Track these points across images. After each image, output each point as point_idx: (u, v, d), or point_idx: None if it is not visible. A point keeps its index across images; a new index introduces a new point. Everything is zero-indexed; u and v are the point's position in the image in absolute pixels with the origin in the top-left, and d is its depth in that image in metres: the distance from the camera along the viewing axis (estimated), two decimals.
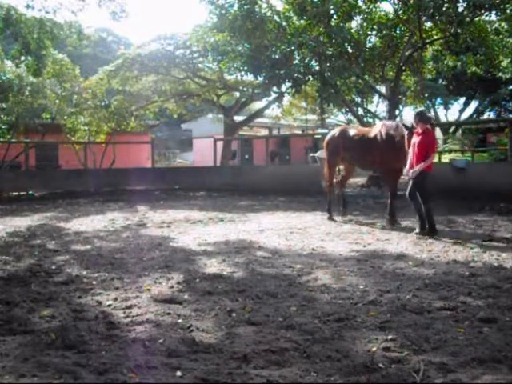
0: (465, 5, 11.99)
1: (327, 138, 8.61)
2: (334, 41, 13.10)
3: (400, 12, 13.60)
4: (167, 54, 18.21)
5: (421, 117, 6.52)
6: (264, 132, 30.25)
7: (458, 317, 3.25)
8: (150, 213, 9.70)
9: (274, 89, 15.02)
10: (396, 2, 13.57)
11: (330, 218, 8.18)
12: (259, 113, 22.79)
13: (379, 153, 7.47)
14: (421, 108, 7.47)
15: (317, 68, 13.63)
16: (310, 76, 13.62)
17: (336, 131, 8.51)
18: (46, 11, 13.20)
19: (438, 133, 36.09)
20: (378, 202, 10.40)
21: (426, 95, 22.64)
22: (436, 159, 21.85)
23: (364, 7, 13.94)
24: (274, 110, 25.31)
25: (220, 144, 18.50)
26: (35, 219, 8.95)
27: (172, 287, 4.10)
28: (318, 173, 13.59)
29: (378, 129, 7.72)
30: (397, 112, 17.99)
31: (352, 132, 8.11)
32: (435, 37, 14.07)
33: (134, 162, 20.02)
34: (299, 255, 5.32)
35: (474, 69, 15.77)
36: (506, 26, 13.47)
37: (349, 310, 3.44)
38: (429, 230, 6.41)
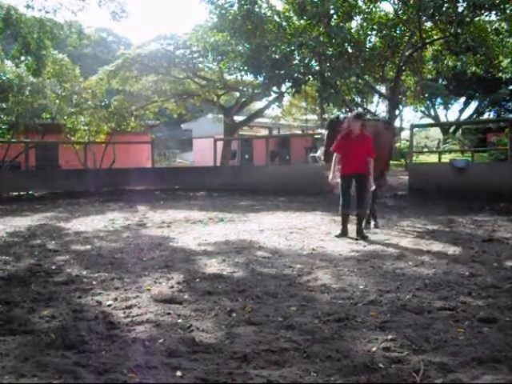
0: (465, 5, 12.01)
1: None
2: (334, 41, 13.12)
3: (400, 12, 13.62)
4: (167, 54, 18.22)
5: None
6: (264, 132, 30.25)
7: (458, 317, 3.25)
8: (150, 213, 9.70)
9: (274, 89, 15.04)
10: (396, 1, 13.58)
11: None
12: (259, 113, 22.80)
13: None
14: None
15: (317, 68, 13.65)
16: (310, 76, 13.64)
17: None
18: (46, 11, 13.23)
19: (438, 133, 36.13)
20: (378, 202, 10.38)
21: (426, 95, 22.66)
22: (436, 159, 21.87)
23: (364, 7, 13.97)
24: (274, 110, 25.37)
25: (220, 144, 18.50)
26: (35, 219, 8.94)
27: (172, 287, 4.10)
28: (317, 173, 13.61)
29: None
30: (397, 112, 18.01)
31: None
32: (435, 37, 14.10)
33: (134, 162, 20.03)
34: (299, 255, 5.32)
35: (473, 69, 15.79)
36: (505, 26, 13.50)
37: (349, 310, 3.44)
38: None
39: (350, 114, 6.95)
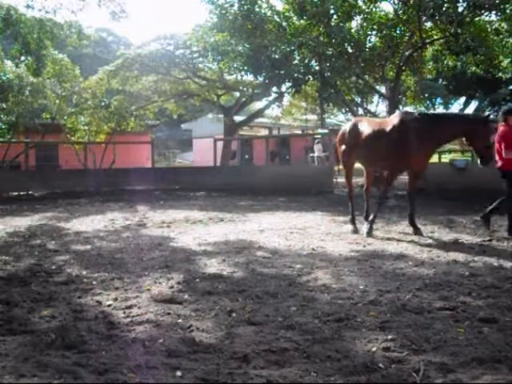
0: (465, 5, 12.03)
1: (339, 134, 7.47)
2: (333, 41, 13.13)
3: (400, 12, 13.62)
4: (167, 53, 18.22)
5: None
6: (264, 132, 30.25)
7: (458, 317, 3.25)
8: (150, 213, 9.70)
9: (274, 89, 15.06)
10: (396, 1, 13.58)
11: (355, 231, 6.82)
12: (259, 113, 22.80)
13: (389, 148, 6.44)
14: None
15: (317, 68, 13.66)
16: (309, 76, 13.64)
17: (347, 126, 7.38)
18: (46, 11, 13.26)
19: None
20: (378, 202, 10.38)
21: (426, 95, 22.66)
22: (436, 159, 21.88)
23: (364, 7, 13.97)
24: (274, 110, 25.35)
25: (220, 144, 18.50)
26: (35, 219, 8.94)
27: (172, 287, 4.10)
28: (317, 173, 13.61)
29: (394, 119, 6.65)
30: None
31: (364, 125, 6.96)
32: (435, 37, 14.10)
33: (134, 162, 20.03)
34: (299, 255, 5.31)
35: (473, 69, 15.79)
36: (505, 26, 13.50)
37: (349, 310, 3.44)
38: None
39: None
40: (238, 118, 23.05)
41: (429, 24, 13.94)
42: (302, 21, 13.77)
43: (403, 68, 14.34)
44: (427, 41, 13.92)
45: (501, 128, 6.30)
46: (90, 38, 16.67)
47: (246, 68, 13.69)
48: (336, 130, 16.88)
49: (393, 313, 3.35)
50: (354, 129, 7.04)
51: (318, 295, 3.81)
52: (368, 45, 14.33)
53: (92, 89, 18.06)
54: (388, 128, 6.53)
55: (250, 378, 2.40)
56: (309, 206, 10.13)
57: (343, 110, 23.34)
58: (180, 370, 2.49)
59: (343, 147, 7.24)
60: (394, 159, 6.48)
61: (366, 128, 6.88)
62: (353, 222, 7.06)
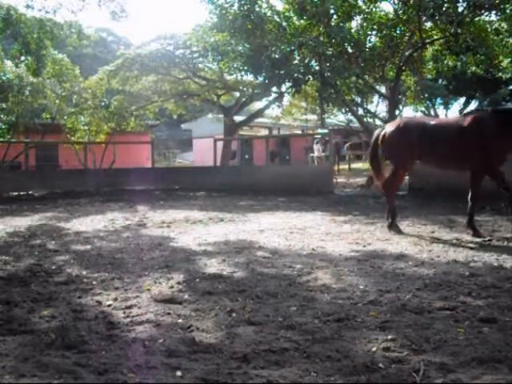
0: (465, 5, 12.04)
1: (390, 132, 6.77)
2: (333, 41, 13.15)
3: (400, 12, 13.64)
4: (167, 53, 18.23)
5: None
6: (264, 132, 30.24)
7: (458, 317, 3.25)
8: (150, 213, 9.70)
9: (274, 89, 15.06)
10: (396, 1, 13.59)
11: (398, 231, 6.68)
12: (259, 113, 22.79)
13: (483, 148, 6.43)
14: None
15: (317, 68, 13.67)
16: (309, 76, 13.65)
17: (402, 123, 6.80)
18: (46, 11, 13.27)
19: None
20: (378, 202, 10.40)
21: (426, 95, 22.66)
22: None
23: (364, 7, 13.99)
24: (274, 110, 25.35)
25: (220, 144, 18.49)
26: (35, 219, 8.94)
27: (172, 287, 4.10)
28: (317, 173, 13.61)
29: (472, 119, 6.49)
30: (397, 112, 18.03)
31: (433, 124, 6.68)
32: (435, 37, 14.11)
33: (134, 162, 20.02)
34: (299, 255, 5.31)
35: (474, 69, 15.81)
36: (505, 26, 13.51)
37: (349, 310, 3.44)
38: None
39: None
40: (238, 118, 23.04)
41: (429, 24, 13.95)
42: (302, 21, 13.79)
43: (403, 68, 14.35)
44: (427, 41, 13.93)
45: None
46: (90, 37, 16.69)
47: (246, 68, 13.71)
48: (337, 130, 16.84)
49: (393, 313, 3.35)
50: (421, 129, 6.61)
51: (318, 295, 3.81)
52: (368, 45, 14.34)
53: (92, 89, 18.06)
54: (473, 128, 6.37)
55: (249, 378, 2.40)
56: (309, 206, 10.13)
57: (343, 110, 23.34)
58: (180, 370, 2.49)
59: (401, 149, 6.68)
60: (484, 159, 6.57)
61: (440, 128, 6.63)
62: (395, 224, 6.80)
